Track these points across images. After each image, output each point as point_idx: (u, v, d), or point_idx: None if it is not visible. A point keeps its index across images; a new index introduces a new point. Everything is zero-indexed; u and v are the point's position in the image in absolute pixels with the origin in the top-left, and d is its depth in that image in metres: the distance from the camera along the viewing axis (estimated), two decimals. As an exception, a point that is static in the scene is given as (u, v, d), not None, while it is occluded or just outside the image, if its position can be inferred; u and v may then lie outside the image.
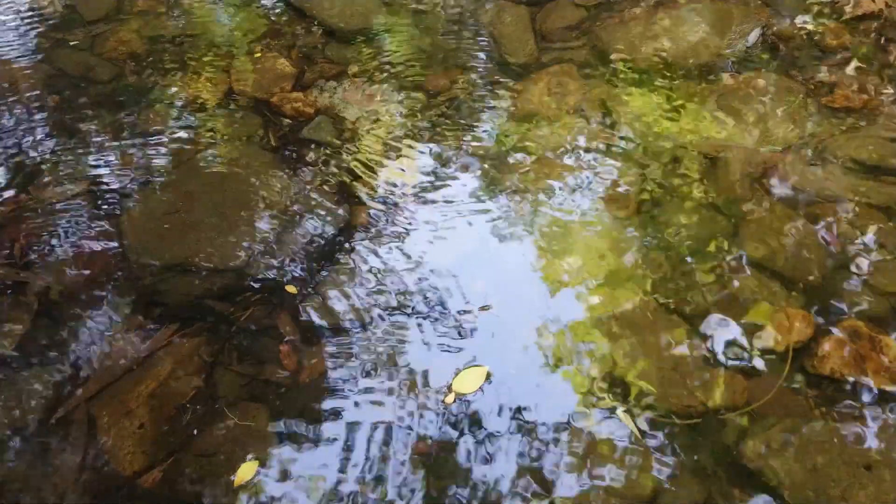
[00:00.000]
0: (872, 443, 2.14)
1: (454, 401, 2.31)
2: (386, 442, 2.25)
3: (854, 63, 3.43)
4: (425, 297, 2.62)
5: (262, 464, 2.21)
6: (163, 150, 3.20)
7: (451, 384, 2.36)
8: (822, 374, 2.31)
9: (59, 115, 3.40)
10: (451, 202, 2.94)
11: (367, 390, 2.38)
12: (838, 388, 2.29)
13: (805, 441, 2.16)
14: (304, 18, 3.87)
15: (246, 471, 2.20)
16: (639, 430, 2.20)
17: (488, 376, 2.36)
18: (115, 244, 2.83)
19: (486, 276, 2.68)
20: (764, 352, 2.39)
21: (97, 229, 2.89)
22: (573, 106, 3.33)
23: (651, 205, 2.87)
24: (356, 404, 2.34)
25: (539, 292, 2.61)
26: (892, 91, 3.28)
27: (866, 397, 2.26)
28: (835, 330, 2.41)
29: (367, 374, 2.41)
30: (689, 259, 2.68)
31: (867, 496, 2.02)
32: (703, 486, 2.12)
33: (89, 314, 2.60)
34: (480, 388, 2.34)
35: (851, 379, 2.30)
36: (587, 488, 2.12)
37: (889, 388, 2.26)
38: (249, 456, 2.23)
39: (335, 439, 2.27)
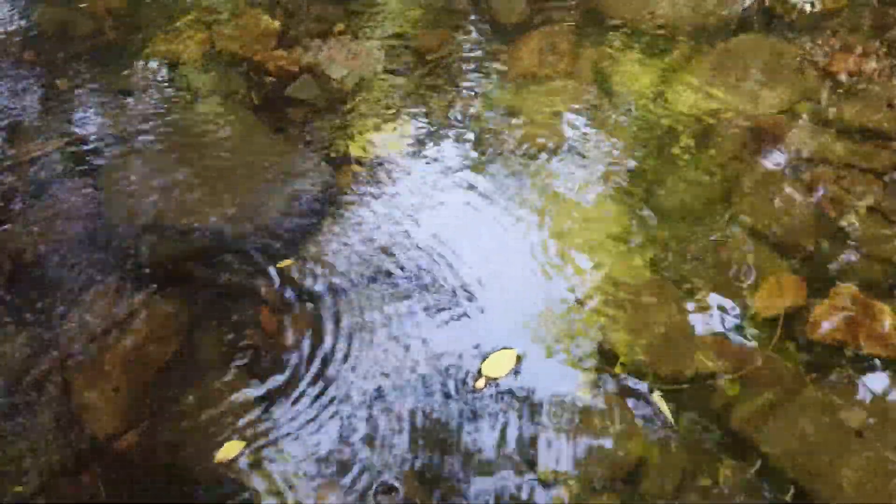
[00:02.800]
0: (864, 410, 2.10)
1: (485, 385, 2.24)
2: (370, 408, 2.20)
3: (852, 27, 3.35)
4: (410, 264, 2.55)
5: (245, 438, 2.15)
6: (142, 107, 3.11)
7: (480, 368, 2.27)
8: (814, 341, 2.27)
9: (37, 71, 3.30)
10: (439, 166, 2.87)
11: (350, 356, 2.32)
12: (830, 354, 2.25)
13: (795, 408, 2.12)
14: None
15: (230, 449, 2.14)
16: (671, 414, 2.15)
17: (519, 359, 2.29)
18: (93, 203, 2.75)
19: (474, 244, 2.61)
20: (755, 318, 2.35)
21: (75, 188, 2.81)
22: (565, 68, 3.25)
23: (643, 170, 2.81)
24: (338, 370, 2.29)
25: (528, 260, 2.55)
26: (889, 55, 3.21)
27: (858, 364, 2.22)
28: (827, 296, 2.36)
29: (351, 340, 2.36)
30: (681, 225, 2.62)
31: (857, 463, 1.98)
32: (690, 454, 2.08)
33: (65, 274, 2.53)
34: (513, 371, 2.26)
35: (843, 345, 2.25)
36: (573, 458, 2.08)
37: (881, 354, 2.22)
38: (236, 436, 2.17)
39: (317, 405, 2.22)
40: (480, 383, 2.23)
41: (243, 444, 2.14)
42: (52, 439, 2.15)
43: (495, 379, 2.24)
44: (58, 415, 2.20)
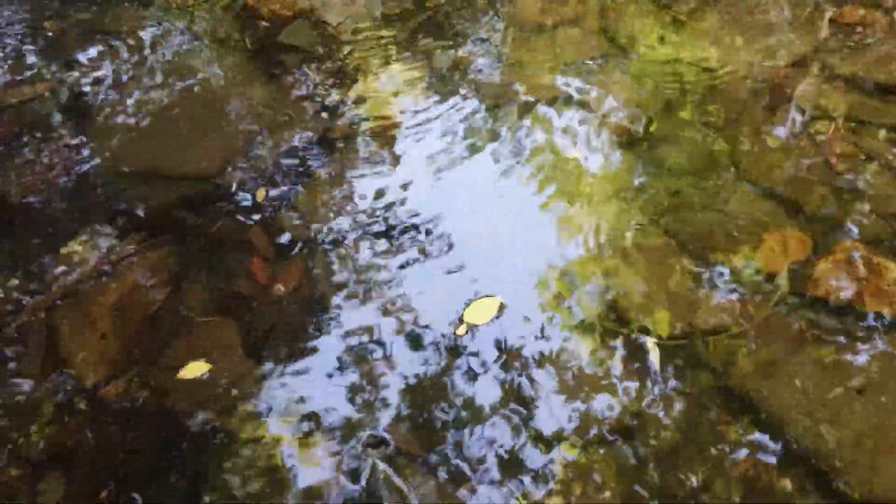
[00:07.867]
0: (866, 367, 2.06)
1: (466, 332, 2.19)
2: (361, 361, 2.16)
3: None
4: (405, 214, 2.50)
5: (214, 365, 2.12)
6: (132, 50, 3.03)
7: (462, 315, 2.23)
8: (817, 297, 2.22)
9: (24, 13, 3.21)
10: (438, 115, 2.80)
11: (343, 308, 2.28)
12: (833, 310, 2.20)
13: (796, 365, 2.08)
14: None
15: (194, 368, 2.11)
16: (670, 368, 2.10)
17: (501, 307, 2.24)
18: (81, 148, 2.69)
19: (471, 195, 2.55)
20: (758, 273, 2.29)
21: (61, 132, 2.74)
22: (570, 17, 3.16)
23: (648, 123, 2.74)
24: (330, 321, 2.25)
25: (527, 213, 2.49)
26: (904, 7, 3.12)
27: (861, 320, 2.17)
28: (832, 253, 2.31)
29: (343, 292, 2.31)
30: (684, 178, 2.55)
31: (857, 420, 1.95)
32: (688, 410, 2.04)
33: (52, 220, 2.48)
34: (494, 319, 2.21)
35: (847, 302, 2.20)
36: (566, 411, 2.05)
37: (885, 311, 2.17)
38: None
39: (306, 356, 2.18)
40: (461, 330, 2.19)
41: (209, 367, 2.11)
42: (38, 386, 2.11)
43: (475, 326, 2.20)
44: (44, 361, 2.16)
